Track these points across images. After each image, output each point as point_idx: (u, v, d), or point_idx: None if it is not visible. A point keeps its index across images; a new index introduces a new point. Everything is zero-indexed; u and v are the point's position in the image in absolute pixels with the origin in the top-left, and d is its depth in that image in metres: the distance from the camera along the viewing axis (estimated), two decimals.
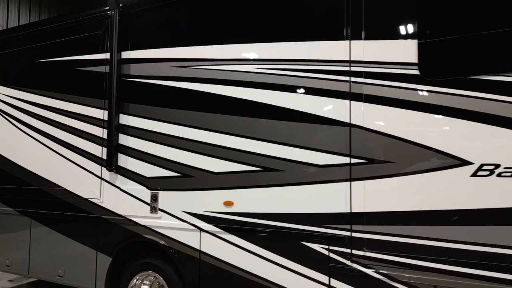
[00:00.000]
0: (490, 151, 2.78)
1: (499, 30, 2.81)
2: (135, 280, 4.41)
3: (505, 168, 2.73)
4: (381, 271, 3.06)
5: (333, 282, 3.25)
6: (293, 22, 3.64)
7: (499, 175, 2.74)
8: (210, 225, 3.84)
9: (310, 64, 3.49)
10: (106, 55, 4.65)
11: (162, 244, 4.08)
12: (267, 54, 3.68)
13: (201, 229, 3.88)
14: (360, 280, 3.14)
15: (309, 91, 3.47)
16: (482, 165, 2.79)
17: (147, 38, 4.48)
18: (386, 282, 3.03)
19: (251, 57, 3.75)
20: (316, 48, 3.48)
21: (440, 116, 2.96)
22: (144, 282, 4.43)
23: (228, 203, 3.76)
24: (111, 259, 4.40)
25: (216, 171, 3.84)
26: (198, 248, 3.89)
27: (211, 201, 3.85)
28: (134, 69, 4.51)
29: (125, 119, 4.49)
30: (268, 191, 3.59)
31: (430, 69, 3.03)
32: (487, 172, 2.78)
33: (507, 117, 2.74)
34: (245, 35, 3.84)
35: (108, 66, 4.58)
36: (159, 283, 4.32)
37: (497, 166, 2.75)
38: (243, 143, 3.72)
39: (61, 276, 4.79)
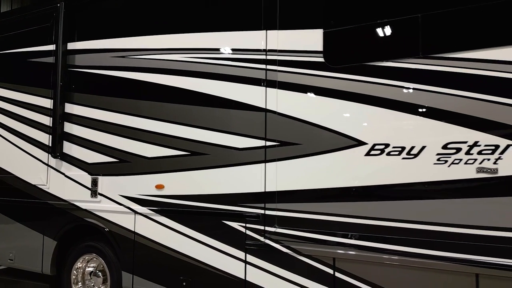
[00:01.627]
0: (382, 132, 3.00)
1: (388, 19, 3.02)
2: (79, 263, 4.59)
3: (393, 147, 2.94)
4: (289, 246, 3.27)
5: (249, 257, 3.46)
6: (216, 13, 3.84)
7: (388, 153, 2.96)
8: (144, 208, 4.03)
9: (232, 53, 3.69)
10: (54, 47, 4.82)
11: (102, 227, 4.27)
12: (193, 43, 3.87)
13: (135, 212, 4.07)
14: (271, 255, 3.35)
15: (231, 78, 3.67)
16: (374, 144, 3.01)
17: (90, 30, 4.66)
18: (293, 256, 3.25)
19: (179, 47, 3.94)
20: (237, 38, 3.67)
21: (341, 101, 3.17)
22: (90, 264, 4.62)
23: (159, 186, 3.95)
24: (56, 242, 4.58)
25: (149, 156, 4.04)
26: (133, 230, 4.08)
27: (145, 184, 4.04)
28: (78, 59, 4.67)
29: (70, 108, 4.66)
30: (194, 174, 3.78)
31: (333, 56, 3.24)
32: (378, 152, 2.99)
33: (396, 100, 2.96)
34: (174, 26, 4.03)
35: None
36: (103, 266, 4.51)
37: (387, 145, 2.97)
38: (173, 129, 3.91)
39: (12, 260, 4.95)
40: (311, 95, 3.30)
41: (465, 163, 2.70)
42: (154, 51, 4.07)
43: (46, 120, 4.79)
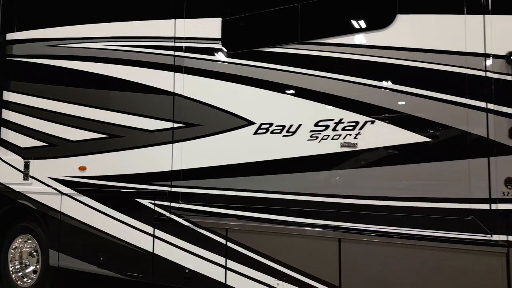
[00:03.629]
0: (267, 112, 3.25)
1: (274, 8, 3.27)
2: (16, 243, 4.80)
3: (276, 126, 3.19)
4: (189, 219, 3.51)
5: (157, 232, 3.70)
6: (132, 4, 4.08)
7: (272, 132, 3.21)
8: (69, 189, 4.25)
9: (145, 41, 3.92)
10: None
11: (33, 208, 4.48)
12: (111, 32, 4.10)
13: (61, 193, 4.29)
14: (175, 229, 3.59)
15: (144, 64, 3.90)
16: (261, 124, 3.26)
17: (27, 20, 4.86)
18: (193, 229, 3.49)
19: (99, 36, 4.16)
20: (150, 27, 3.90)
21: (235, 84, 3.41)
22: (27, 245, 4.82)
23: (82, 168, 4.18)
24: None
25: (73, 139, 4.26)
26: (59, 210, 4.30)
27: (70, 166, 4.26)
28: (16, 49, 4.88)
29: (7, 96, 4.86)
30: (112, 155, 4.01)
31: (229, 43, 3.48)
32: (264, 130, 3.24)
33: (278, 83, 3.20)
34: (94, 16, 4.25)
35: None
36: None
37: (271, 124, 3.21)
38: (93, 113, 4.13)
39: None
40: (211, 79, 3.54)
41: (332, 138, 2.96)
42: (76, 40, 4.29)
43: None
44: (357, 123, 2.88)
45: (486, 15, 2.56)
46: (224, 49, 3.49)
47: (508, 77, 2.45)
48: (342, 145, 2.91)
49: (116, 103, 4.02)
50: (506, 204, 2.42)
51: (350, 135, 2.89)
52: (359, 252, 2.84)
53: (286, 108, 3.18)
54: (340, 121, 2.94)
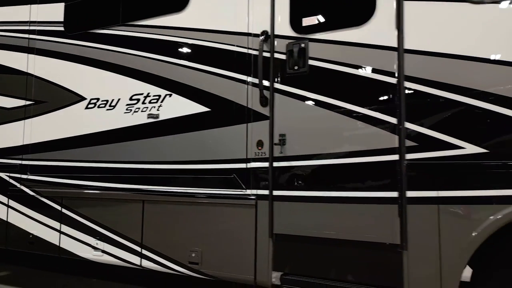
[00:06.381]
0: (95, 88, 3.55)
1: None
2: None
3: (102, 100, 3.50)
4: (34, 189, 3.79)
5: (11, 202, 3.96)
6: None
7: (98, 106, 3.51)
8: None
9: (6, 25, 4.17)
10: None
11: None
12: None
13: None
14: (23, 198, 3.86)
15: (3, 47, 4.15)
16: (91, 99, 3.56)
17: None
18: (37, 198, 3.77)
19: None
20: (9, 12, 4.16)
21: (72, 63, 3.70)
22: None
23: None
24: None
25: None
26: None
27: None
28: None
29: None
30: None
31: (68, 26, 3.77)
32: (93, 105, 3.54)
33: (104, 61, 3.51)
34: None
35: None
36: None
37: (98, 99, 3.52)
38: None
39: None
40: (55, 59, 3.82)
41: (142, 110, 3.28)
42: None
43: None
44: (159, 96, 3.21)
45: None
46: (65, 31, 3.78)
47: (264, 54, 2.81)
48: (149, 117, 3.24)
49: None
50: (257, 163, 2.78)
51: (154, 107, 3.22)
52: (156, 211, 3.17)
53: (109, 84, 3.48)
54: (148, 95, 3.26)
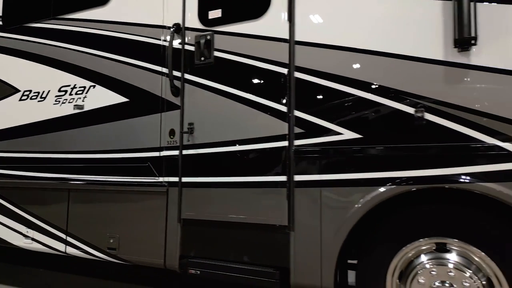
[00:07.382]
0: (28, 81, 3.63)
1: None
2: None
3: (33, 92, 3.59)
4: None
5: None
6: None
7: (31, 98, 3.60)
8: None
9: None
10: None
11: None
12: None
13: None
14: None
15: None
16: (24, 91, 3.64)
17: None
18: None
19: None
20: None
21: (10, 56, 3.78)
22: None
23: None
24: None
25: None
26: None
27: None
28: None
29: None
30: None
31: (6, 19, 3.85)
32: (26, 97, 3.63)
33: (37, 54, 3.60)
34: None
35: None
36: None
37: (30, 91, 3.61)
38: None
39: None
40: None
41: (69, 102, 3.37)
42: None
43: None
44: (84, 87, 3.30)
45: None
46: (3, 25, 3.86)
47: (178, 46, 2.91)
48: (75, 108, 3.33)
49: None
50: (169, 151, 2.88)
51: (80, 98, 3.32)
52: (80, 199, 3.27)
53: (41, 77, 3.57)
54: (75, 87, 3.36)
